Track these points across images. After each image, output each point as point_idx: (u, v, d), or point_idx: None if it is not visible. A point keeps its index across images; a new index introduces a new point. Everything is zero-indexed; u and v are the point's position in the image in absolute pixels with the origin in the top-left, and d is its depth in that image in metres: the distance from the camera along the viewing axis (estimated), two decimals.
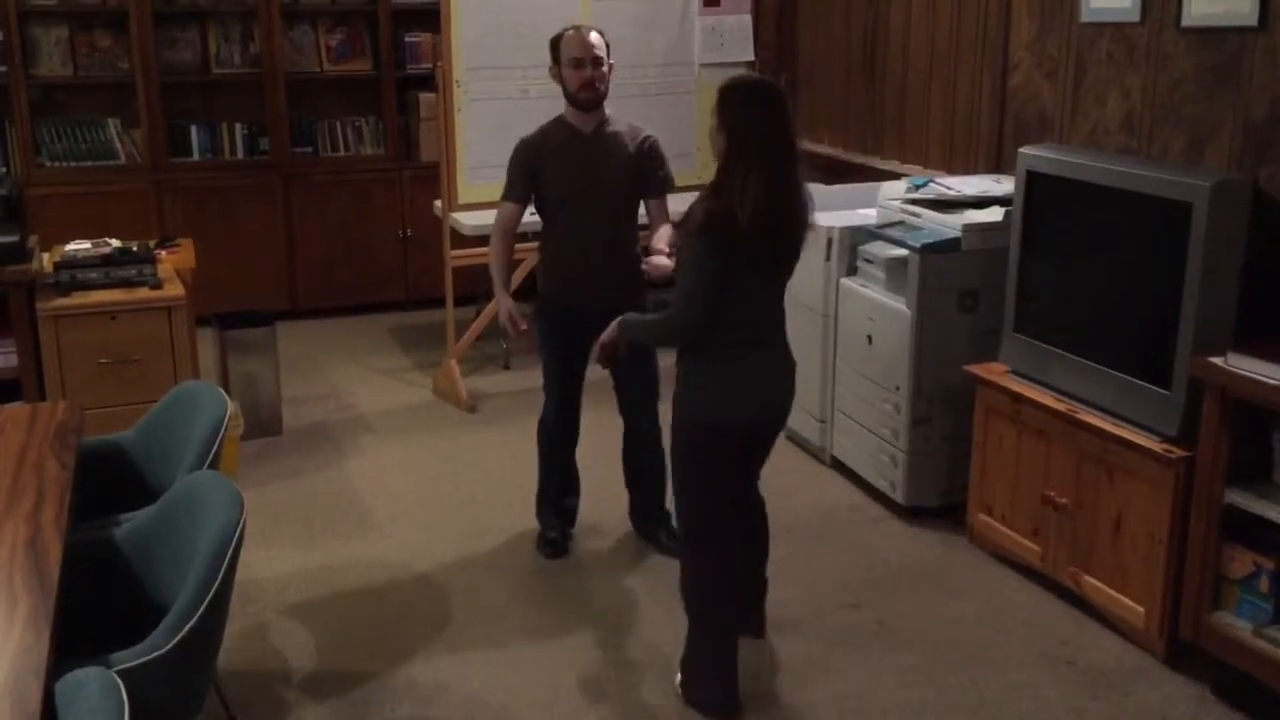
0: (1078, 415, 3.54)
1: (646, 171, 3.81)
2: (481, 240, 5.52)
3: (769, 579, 3.48)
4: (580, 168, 3.71)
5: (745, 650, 3.26)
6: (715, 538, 3.13)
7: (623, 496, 4.14)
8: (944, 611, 3.65)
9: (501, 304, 3.83)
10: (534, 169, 3.76)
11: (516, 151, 3.81)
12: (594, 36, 3.71)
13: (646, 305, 3.71)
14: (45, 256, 4.58)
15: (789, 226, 2.99)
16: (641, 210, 3.87)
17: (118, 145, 6.46)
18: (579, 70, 3.68)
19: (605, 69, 3.72)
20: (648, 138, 3.84)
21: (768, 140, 2.91)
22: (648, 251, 3.59)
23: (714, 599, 3.16)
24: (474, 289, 6.36)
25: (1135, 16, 3.90)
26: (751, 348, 3.07)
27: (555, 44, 3.76)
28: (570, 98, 3.75)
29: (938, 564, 3.95)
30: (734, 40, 5.79)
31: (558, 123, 3.82)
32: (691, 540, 3.18)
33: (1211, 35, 3.63)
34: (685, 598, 3.20)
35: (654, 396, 3.95)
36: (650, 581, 3.82)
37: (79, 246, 4.57)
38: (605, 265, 3.77)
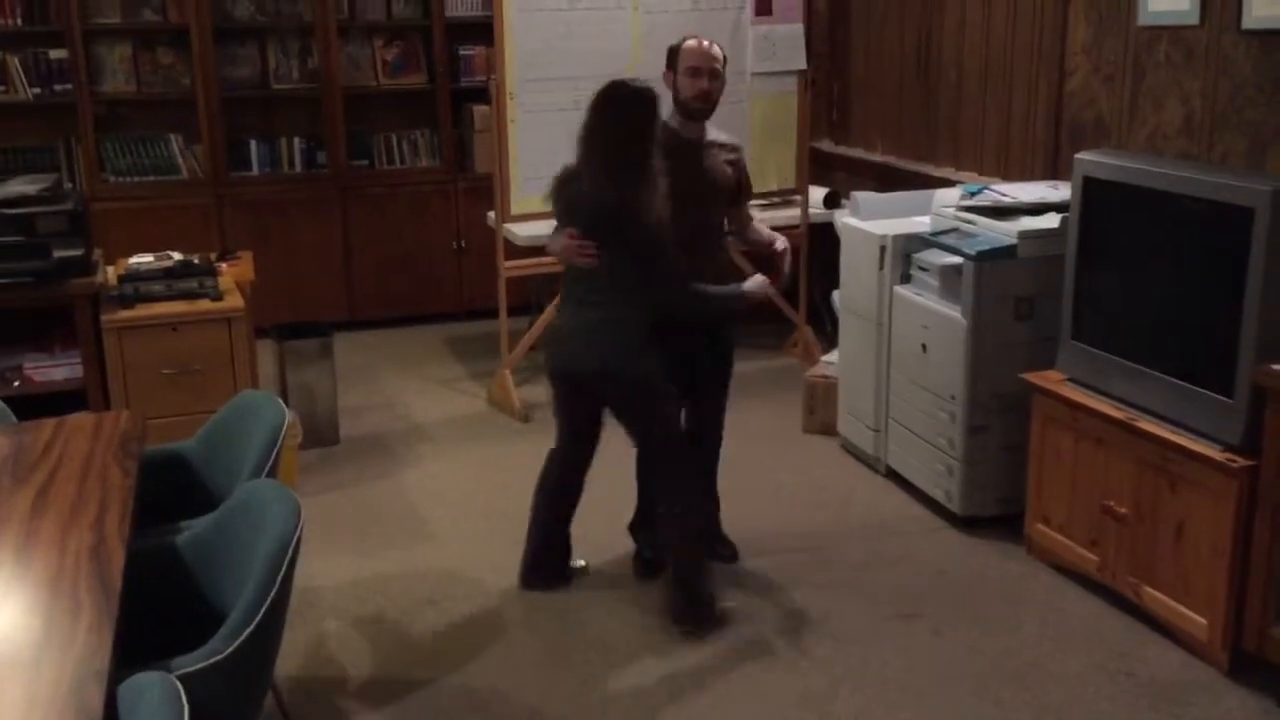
0: (1137, 424, 3.49)
1: (742, 181, 3.86)
2: (535, 251, 5.56)
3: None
4: (689, 175, 3.64)
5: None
6: (553, 459, 3.83)
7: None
8: (1001, 622, 3.61)
9: None
10: None
11: None
12: (716, 49, 3.71)
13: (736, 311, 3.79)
14: (109, 270, 4.67)
15: (589, 209, 3.43)
16: None
17: (180, 160, 6.58)
18: (695, 79, 3.64)
19: (720, 82, 3.70)
20: (738, 147, 3.88)
21: (594, 134, 3.44)
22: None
23: None
24: (527, 299, 6.40)
25: (1194, 19, 3.84)
26: (568, 305, 3.60)
27: (674, 51, 3.73)
28: (682, 105, 3.69)
29: (994, 574, 3.91)
30: (786, 49, 5.78)
31: (664, 129, 3.72)
32: None
33: (1272, 37, 3.57)
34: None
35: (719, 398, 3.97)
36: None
37: (142, 260, 4.66)
38: (703, 274, 3.64)
